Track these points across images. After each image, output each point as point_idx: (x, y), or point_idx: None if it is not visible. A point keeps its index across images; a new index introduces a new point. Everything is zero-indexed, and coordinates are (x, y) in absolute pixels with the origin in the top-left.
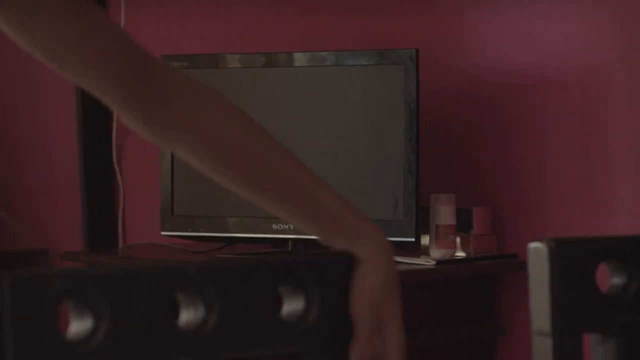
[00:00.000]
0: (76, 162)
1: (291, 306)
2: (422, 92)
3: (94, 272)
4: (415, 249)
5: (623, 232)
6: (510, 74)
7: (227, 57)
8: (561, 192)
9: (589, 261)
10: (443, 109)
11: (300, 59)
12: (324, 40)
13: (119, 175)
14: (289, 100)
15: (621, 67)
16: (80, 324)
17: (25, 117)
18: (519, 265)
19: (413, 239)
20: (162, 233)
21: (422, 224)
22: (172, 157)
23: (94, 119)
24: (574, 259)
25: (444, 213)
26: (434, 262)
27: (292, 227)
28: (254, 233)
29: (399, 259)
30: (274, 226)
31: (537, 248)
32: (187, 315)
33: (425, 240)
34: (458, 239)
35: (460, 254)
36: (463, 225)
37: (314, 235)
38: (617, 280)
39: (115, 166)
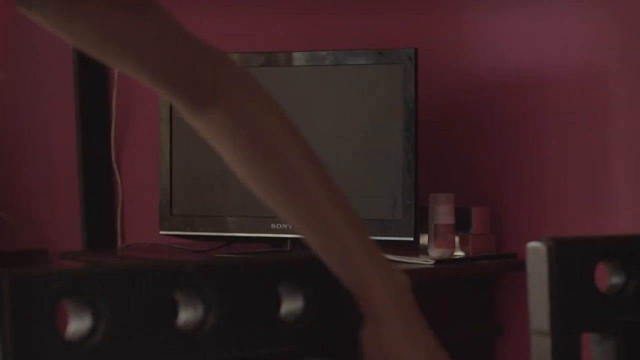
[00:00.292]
0: (75, 162)
1: (290, 306)
2: (421, 92)
3: (93, 272)
4: (414, 249)
5: (622, 232)
6: (509, 73)
7: None
8: (560, 192)
9: (588, 261)
10: (442, 108)
11: (299, 58)
12: (323, 39)
13: (117, 175)
14: (288, 99)
15: (621, 67)
16: (79, 323)
17: (25, 117)
18: (518, 265)
19: (412, 239)
20: (161, 232)
21: (421, 223)
22: (171, 156)
23: (93, 119)
24: (573, 259)
25: (443, 212)
26: (432, 262)
27: (290, 227)
28: (253, 232)
29: (397, 258)
30: (273, 226)
31: (536, 247)
32: (186, 315)
33: (424, 239)
34: (457, 239)
35: (459, 253)
36: (462, 224)
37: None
38: (616, 279)
39: (114, 166)
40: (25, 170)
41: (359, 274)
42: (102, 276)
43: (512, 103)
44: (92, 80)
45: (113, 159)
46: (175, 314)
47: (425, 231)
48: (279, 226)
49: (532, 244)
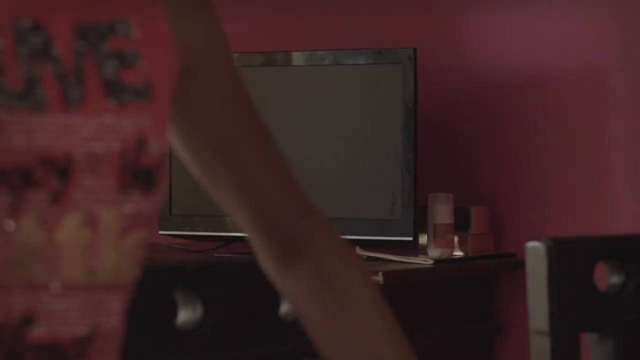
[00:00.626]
0: None
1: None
2: (420, 92)
3: None
4: (413, 248)
5: (621, 232)
6: (509, 73)
7: None
8: (559, 192)
9: (587, 260)
10: (441, 108)
11: (298, 58)
12: (322, 39)
13: None
14: (287, 99)
15: (620, 67)
16: None
17: None
18: (517, 265)
19: (411, 238)
20: (160, 232)
21: (420, 223)
22: (170, 156)
23: None
24: (572, 259)
25: (442, 212)
26: (432, 262)
27: None
28: None
29: (396, 258)
30: None
31: (535, 247)
32: (185, 315)
33: (423, 239)
34: (456, 238)
35: (458, 253)
36: (461, 224)
37: None
38: (615, 279)
39: None
40: None
41: None
42: None
43: (511, 103)
44: None
45: None
46: (174, 314)
47: (424, 231)
48: None
49: (532, 244)
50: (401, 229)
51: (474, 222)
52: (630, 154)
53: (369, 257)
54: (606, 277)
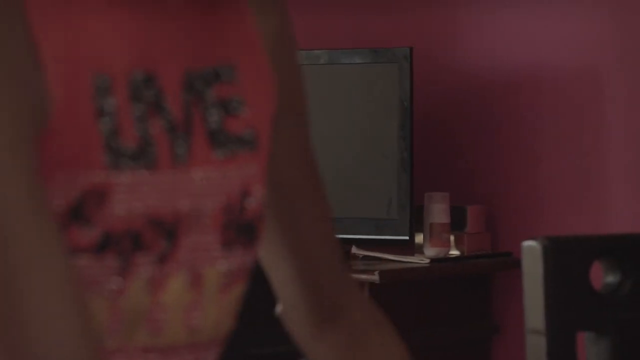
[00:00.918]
0: None
1: None
2: (416, 91)
3: None
4: (410, 248)
5: (617, 231)
6: (505, 72)
7: None
8: (555, 191)
9: (583, 259)
10: (437, 107)
11: None
12: (319, 38)
13: None
14: None
15: (616, 67)
16: None
17: None
18: (513, 264)
19: (407, 238)
20: None
21: (417, 222)
22: None
23: None
24: (568, 258)
25: (438, 211)
26: (428, 261)
27: None
28: None
29: (393, 257)
30: None
31: (531, 246)
32: None
33: (419, 238)
34: (452, 238)
35: (455, 252)
36: (457, 223)
37: None
38: (611, 278)
39: None
40: None
41: None
42: None
43: (508, 102)
44: None
45: None
46: None
47: (420, 230)
48: None
49: (528, 243)
50: (397, 228)
51: (470, 221)
52: (626, 153)
53: (365, 256)
54: (602, 276)
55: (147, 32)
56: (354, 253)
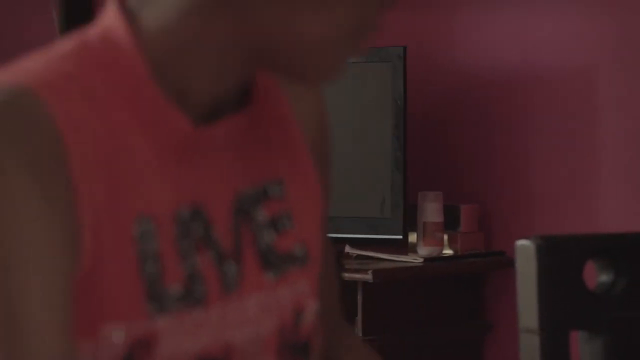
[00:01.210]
0: None
1: None
2: (409, 90)
3: None
4: (403, 247)
5: (611, 230)
6: (498, 72)
7: None
8: (549, 190)
9: (576, 259)
10: (431, 106)
11: None
12: None
13: None
14: None
15: (610, 67)
16: None
17: None
18: (507, 263)
19: (400, 237)
20: None
21: (410, 221)
22: None
23: None
24: (561, 257)
25: (432, 210)
26: (421, 260)
27: None
28: None
29: (386, 256)
30: None
31: (524, 245)
32: None
33: (412, 237)
34: (445, 237)
35: (448, 251)
36: (451, 222)
37: None
38: (604, 277)
39: None
40: None
41: None
42: None
43: (501, 102)
44: None
45: None
46: None
47: (414, 229)
48: None
49: (521, 242)
50: (391, 227)
51: (464, 220)
52: (619, 153)
53: (358, 256)
54: (595, 276)
55: (194, 171)
56: (348, 252)
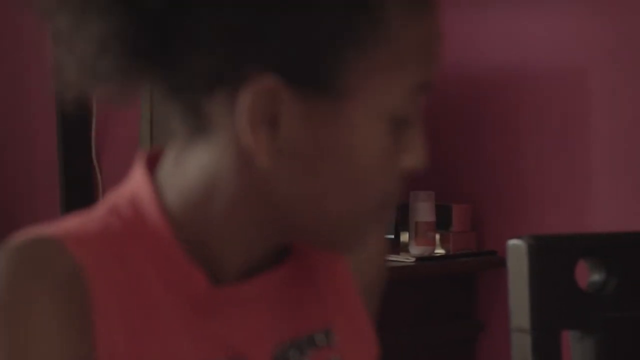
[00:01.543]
0: (56, 157)
1: None
2: None
3: None
4: (395, 246)
5: (602, 230)
6: (490, 72)
7: None
8: (540, 190)
9: (568, 258)
10: (422, 106)
11: None
12: None
13: (98, 171)
14: None
15: (602, 67)
16: None
17: (6, 115)
18: (499, 262)
19: (392, 236)
20: None
21: (402, 221)
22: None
23: (74, 115)
24: (553, 256)
25: (423, 210)
26: (413, 259)
27: None
28: None
29: None
30: None
31: (516, 245)
32: None
33: (404, 237)
34: (437, 236)
35: (440, 251)
36: (442, 222)
37: None
38: (596, 277)
39: (95, 162)
40: (6, 165)
41: None
42: None
43: (493, 101)
44: None
45: (94, 155)
46: None
47: (405, 229)
48: None
49: (513, 242)
50: None
51: (455, 219)
52: (611, 152)
53: None
54: (587, 275)
55: (229, 323)
56: None
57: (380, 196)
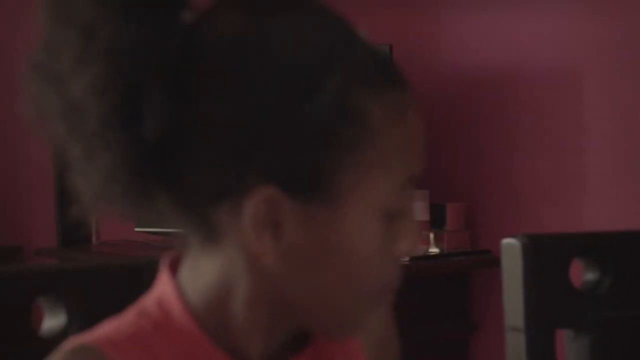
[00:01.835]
0: (50, 158)
1: None
2: None
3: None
4: None
5: (596, 229)
6: (484, 71)
7: None
8: (535, 189)
9: (562, 257)
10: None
11: None
12: None
13: None
14: None
15: (596, 66)
16: (53, 320)
17: (0, 114)
18: (493, 261)
19: None
20: (136, 229)
21: None
22: None
23: None
24: (547, 255)
25: (418, 209)
26: (407, 258)
27: None
28: None
29: None
30: None
31: (510, 244)
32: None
33: None
34: (431, 235)
35: (434, 250)
36: (436, 221)
37: None
38: (590, 276)
39: None
40: (0, 167)
41: None
42: (76, 274)
43: (486, 100)
44: None
45: None
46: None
47: None
48: None
49: (507, 241)
50: None
51: (450, 218)
52: (605, 151)
53: None
54: (581, 274)
55: None
56: None
57: (380, 282)
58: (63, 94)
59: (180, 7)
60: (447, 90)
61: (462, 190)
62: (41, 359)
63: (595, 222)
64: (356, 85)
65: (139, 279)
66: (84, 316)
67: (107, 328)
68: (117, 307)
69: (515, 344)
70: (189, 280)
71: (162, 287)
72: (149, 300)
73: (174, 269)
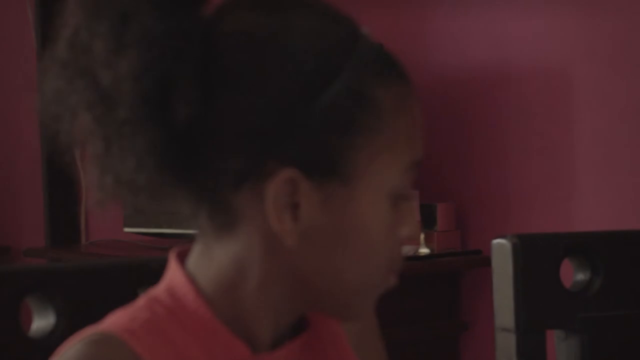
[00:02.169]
0: (39, 158)
1: None
2: None
3: (56, 269)
4: None
5: (587, 228)
6: (474, 70)
7: None
8: (525, 188)
9: (552, 257)
10: None
11: None
12: None
13: (81, 171)
14: None
15: (584, 64)
16: (42, 320)
17: None
18: (483, 261)
19: None
20: (125, 229)
21: None
22: None
23: None
24: (537, 255)
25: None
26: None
27: None
28: None
29: None
30: None
31: (500, 244)
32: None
33: None
34: (422, 235)
35: (424, 250)
36: (427, 221)
37: None
38: (581, 276)
39: (78, 162)
40: None
41: None
42: (65, 274)
43: (476, 100)
44: None
45: (77, 155)
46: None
47: None
48: None
49: (497, 241)
50: None
51: (440, 219)
52: (595, 151)
53: None
54: (572, 274)
55: None
56: None
57: (388, 263)
58: (91, 85)
59: (202, 0)
60: (436, 90)
61: (452, 191)
62: (30, 359)
63: (585, 222)
64: (368, 75)
65: (127, 279)
66: (73, 316)
67: (121, 316)
68: (106, 307)
69: (506, 344)
70: (199, 268)
71: (172, 276)
72: (159, 290)
73: (182, 260)
